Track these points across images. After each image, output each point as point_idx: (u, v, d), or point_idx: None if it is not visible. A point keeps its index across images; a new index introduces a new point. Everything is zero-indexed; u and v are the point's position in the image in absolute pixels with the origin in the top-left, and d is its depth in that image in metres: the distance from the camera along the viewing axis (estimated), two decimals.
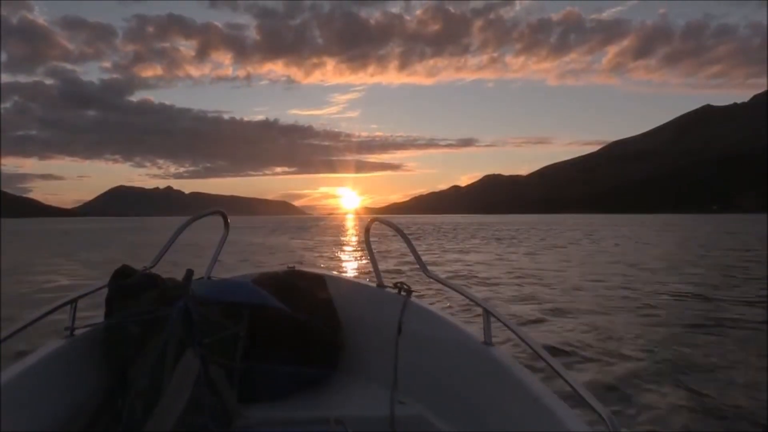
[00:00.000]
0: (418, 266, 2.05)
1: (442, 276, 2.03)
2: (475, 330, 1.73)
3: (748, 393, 3.75)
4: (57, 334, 1.56)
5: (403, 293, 2.05)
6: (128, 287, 1.68)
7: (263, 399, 1.80)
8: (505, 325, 1.49)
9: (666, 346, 5.00)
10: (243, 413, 1.58)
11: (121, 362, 1.51)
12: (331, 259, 16.21)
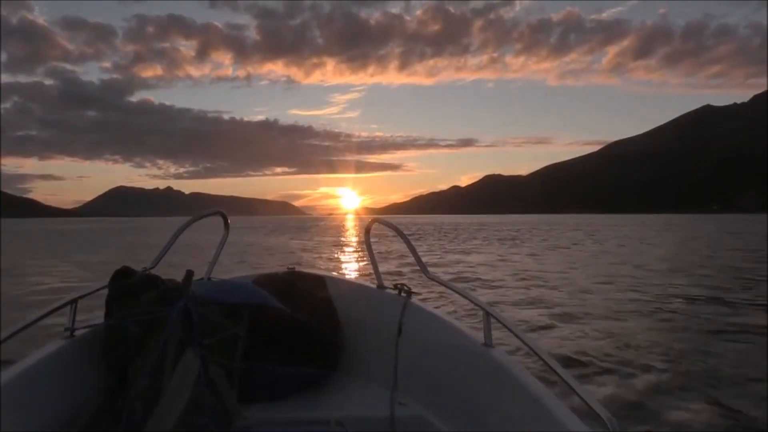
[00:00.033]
0: (418, 268, 2.05)
1: (443, 277, 2.03)
2: (476, 331, 1.73)
3: None
4: (58, 335, 1.56)
5: (403, 294, 2.05)
6: (128, 288, 1.69)
7: (263, 399, 1.80)
8: (506, 326, 1.49)
9: (689, 355, 4.72)
10: (243, 413, 1.58)
11: (121, 362, 1.52)
12: (331, 260, 16.12)
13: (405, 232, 2.10)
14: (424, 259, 2.07)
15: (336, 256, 17.73)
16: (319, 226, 61.25)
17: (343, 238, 30.70)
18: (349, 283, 2.42)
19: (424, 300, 2.10)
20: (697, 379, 4.07)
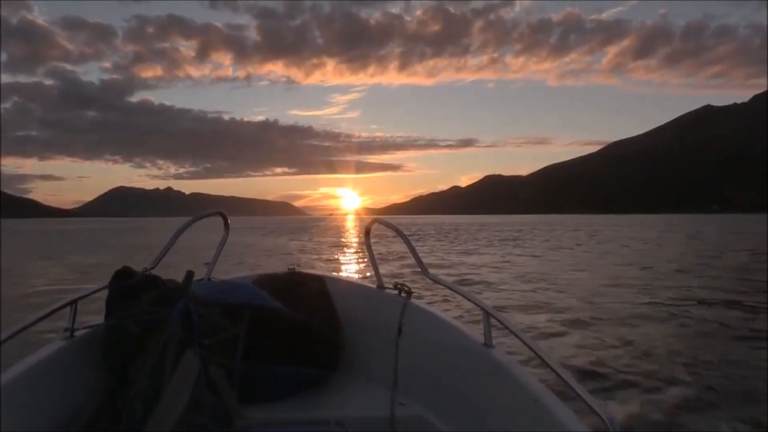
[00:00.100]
0: (419, 269, 2.05)
1: (443, 278, 2.03)
2: (476, 332, 1.73)
3: None
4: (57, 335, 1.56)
5: (403, 294, 2.05)
6: (128, 288, 1.69)
7: (263, 399, 1.80)
8: (506, 327, 1.50)
9: (717, 366, 4.37)
10: (243, 413, 1.58)
11: (121, 363, 1.52)
12: (330, 261, 16.03)
13: (405, 233, 2.10)
14: (425, 261, 2.07)
15: (335, 257, 17.63)
16: (319, 227, 61.23)
17: (343, 239, 30.66)
18: (349, 283, 2.42)
19: (424, 300, 2.10)
20: (729, 395, 3.73)
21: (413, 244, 2.06)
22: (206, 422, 1.40)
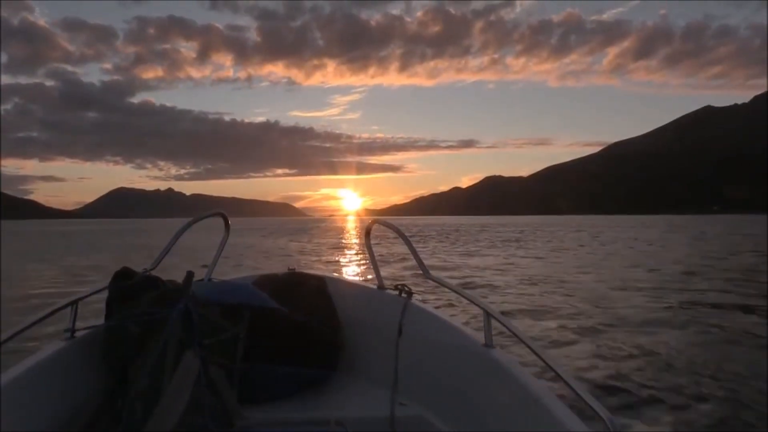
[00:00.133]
0: (420, 271, 2.05)
1: (444, 279, 2.03)
2: (476, 332, 1.73)
3: None
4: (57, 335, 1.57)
5: (403, 295, 2.05)
6: (129, 289, 1.69)
7: (263, 400, 1.80)
8: (506, 327, 1.49)
9: (748, 380, 4.02)
10: (243, 414, 1.58)
11: (121, 363, 1.52)
12: (329, 263, 15.96)
13: (406, 234, 2.10)
14: (426, 262, 2.07)
15: (335, 258, 17.53)
16: (319, 228, 61.22)
17: (343, 241, 30.63)
18: (349, 283, 2.42)
19: (424, 301, 2.10)
20: None
21: (414, 245, 2.06)
22: (206, 422, 1.40)
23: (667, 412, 3.48)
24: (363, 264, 15.44)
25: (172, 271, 2.00)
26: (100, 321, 1.65)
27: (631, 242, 24.45)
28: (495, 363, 1.50)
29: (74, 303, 1.61)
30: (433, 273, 2.04)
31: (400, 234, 2.09)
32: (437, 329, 1.83)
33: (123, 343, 1.53)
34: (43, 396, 1.36)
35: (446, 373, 1.72)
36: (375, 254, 2.38)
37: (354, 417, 1.71)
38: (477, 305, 1.69)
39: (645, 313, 6.92)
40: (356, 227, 59.77)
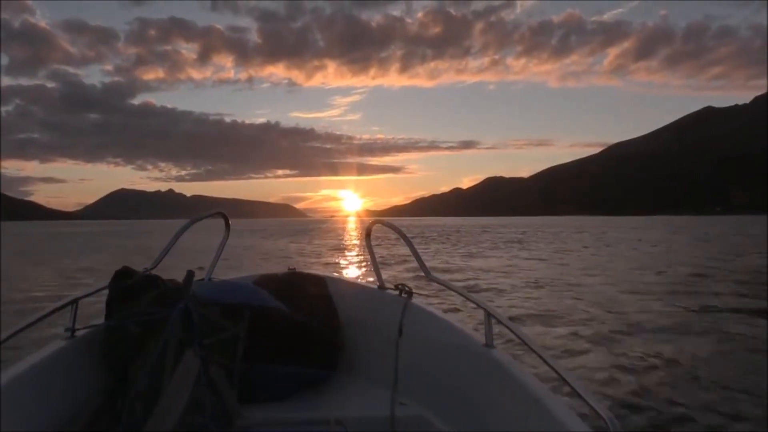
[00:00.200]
0: (422, 273, 2.05)
1: (445, 280, 2.03)
2: (476, 332, 1.73)
3: None
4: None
5: (404, 295, 2.05)
6: (129, 288, 1.69)
7: (263, 399, 1.80)
8: (507, 327, 1.49)
9: None
10: (243, 413, 1.58)
11: (121, 363, 1.52)
12: (329, 264, 15.90)
13: (407, 235, 2.10)
14: (427, 264, 2.07)
15: (335, 260, 17.46)
16: (320, 229, 61.23)
17: (343, 242, 30.60)
18: (349, 283, 2.42)
19: (425, 301, 2.10)
20: None
21: (415, 246, 2.05)
22: (206, 422, 1.40)
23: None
24: (363, 266, 15.40)
25: (172, 271, 2.00)
26: (101, 320, 1.65)
27: (635, 243, 24.33)
28: (495, 363, 1.50)
29: (74, 302, 1.61)
30: (434, 275, 2.04)
31: (402, 235, 2.09)
32: (437, 329, 1.83)
33: (123, 343, 1.53)
34: (44, 395, 1.36)
35: (446, 373, 1.72)
36: (375, 255, 2.38)
37: (354, 417, 1.71)
38: (477, 305, 1.69)
39: (660, 318, 6.62)
40: (357, 228, 59.71)
